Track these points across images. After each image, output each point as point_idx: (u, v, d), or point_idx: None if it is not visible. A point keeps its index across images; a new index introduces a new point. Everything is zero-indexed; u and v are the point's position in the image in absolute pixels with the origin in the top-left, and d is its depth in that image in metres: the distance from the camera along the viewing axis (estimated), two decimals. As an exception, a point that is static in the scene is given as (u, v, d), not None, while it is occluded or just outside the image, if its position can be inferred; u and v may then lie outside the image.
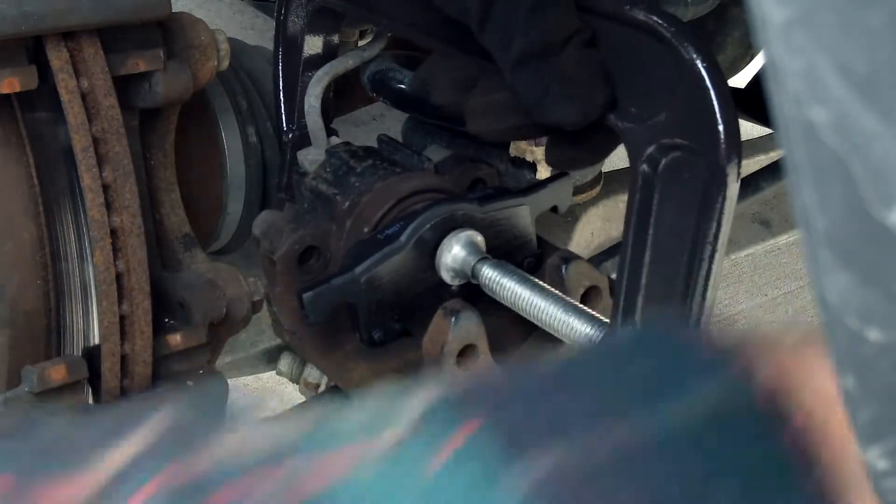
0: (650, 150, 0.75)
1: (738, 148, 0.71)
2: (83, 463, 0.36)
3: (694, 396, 0.36)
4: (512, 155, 1.14)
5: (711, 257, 0.73)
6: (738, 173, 0.71)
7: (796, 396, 0.36)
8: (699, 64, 0.71)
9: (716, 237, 0.73)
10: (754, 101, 1.31)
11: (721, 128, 0.70)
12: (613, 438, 0.35)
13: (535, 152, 1.13)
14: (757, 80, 1.37)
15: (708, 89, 0.70)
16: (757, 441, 0.36)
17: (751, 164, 1.50)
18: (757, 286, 1.82)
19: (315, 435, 0.37)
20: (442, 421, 0.36)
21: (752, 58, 1.61)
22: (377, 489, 0.34)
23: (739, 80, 1.47)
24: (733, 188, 0.71)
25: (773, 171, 1.40)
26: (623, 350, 0.42)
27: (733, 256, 1.67)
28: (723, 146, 0.70)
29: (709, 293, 0.74)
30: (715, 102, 0.70)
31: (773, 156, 1.56)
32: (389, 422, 0.36)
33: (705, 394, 0.37)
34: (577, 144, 0.83)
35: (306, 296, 0.90)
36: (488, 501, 0.33)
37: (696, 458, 0.35)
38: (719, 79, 0.71)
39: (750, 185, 1.41)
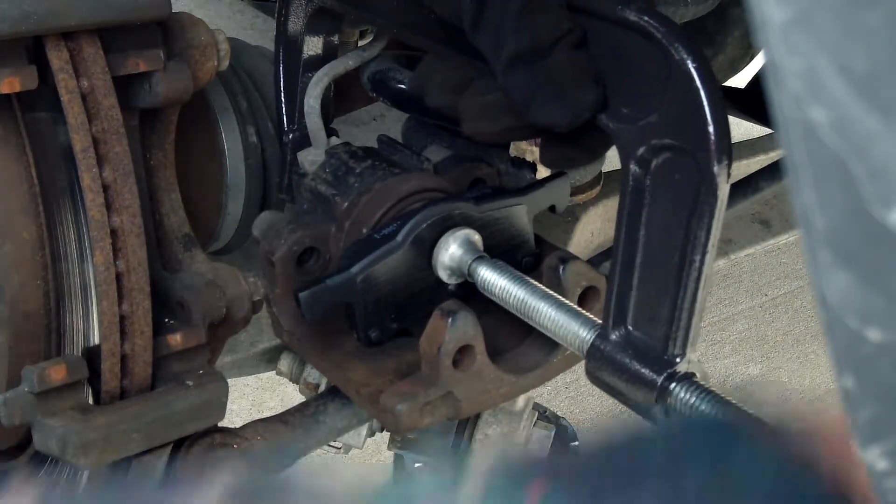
0: (641, 150, 0.75)
1: (729, 149, 0.71)
2: None
3: (760, 486, 0.37)
4: (512, 155, 1.14)
5: (702, 258, 0.73)
6: (729, 174, 0.71)
7: (855, 482, 0.37)
8: (690, 64, 0.71)
9: (706, 238, 0.73)
10: (754, 101, 1.31)
11: (711, 129, 0.70)
12: None
13: (534, 152, 1.13)
14: (757, 80, 1.37)
15: (698, 90, 0.70)
16: None
17: (751, 164, 1.50)
18: (757, 286, 1.82)
19: (389, 494, 0.39)
20: (507, 486, 0.37)
21: (752, 58, 1.62)
22: None
23: (739, 80, 1.47)
24: (724, 189, 0.71)
25: (773, 171, 1.40)
26: (680, 436, 0.43)
27: (733, 256, 1.67)
28: (713, 147, 0.70)
29: (700, 293, 0.74)
30: (705, 103, 0.70)
31: (773, 156, 1.56)
32: (457, 482, 0.38)
33: (773, 483, 0.37)
34: (570, 145, 0.83)
35: (303, 295, 0.90)
36: None
37: None
38: (710, 79, 0.71)
39: (750, 185, 1.41)
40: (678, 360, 0.76)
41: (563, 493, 0.36)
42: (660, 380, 0.75)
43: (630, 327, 0.79)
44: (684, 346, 0.76)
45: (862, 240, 0.28)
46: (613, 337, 0.79)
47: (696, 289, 0.74)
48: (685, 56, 0.71)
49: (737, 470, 0.38)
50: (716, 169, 0.70)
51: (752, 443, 0.40)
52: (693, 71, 0.71)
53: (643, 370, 0.77)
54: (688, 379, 0.75)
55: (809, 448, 0.39)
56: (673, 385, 0.75)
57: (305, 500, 0.38)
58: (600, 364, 0.80)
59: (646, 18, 0.73)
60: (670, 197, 0.75)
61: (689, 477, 0.38)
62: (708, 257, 0.73)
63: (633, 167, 0.76)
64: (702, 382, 0.75)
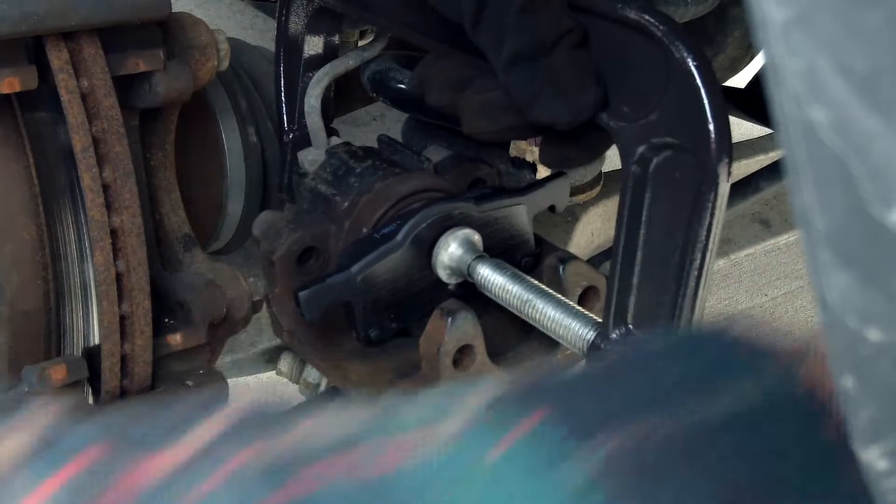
0: (642, 149, 0.75)
1: (730, 147, 0.71)
2: (170, 439, 0.38)
3: (744, 387, 0.38)
4: (512, 155, 1.14)
5: (703, 257, 0.73)
6: (730, 172, 0.71)
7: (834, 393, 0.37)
8: (690, 62, 0.71)
9: (707, 236, 0.73)
10: (754, 101, 1.31)
11: (712, 126, 0.70)
12: (673, 423, 0.37)
13: (534, 152, 1.13)
14: (757, 80, 1.37)
15: (699, 88, 0.70)
16: (804, 429, 0.38)
17: (751, 164, 1.50)
18: (757, 286, 1.82)
19: (382, 422, 0.39)
20: (506, 412, 0.38)
21: (752, 58, 1.62)
22: (442, 472, 0.36)
23: (739, 80, 1.47)
24: (724, 187, 0.71)
25: (773, 171, 1.40)
26: (672, 347, 0.44)
27: (733, 256, 1.67)
28: (714, 145, 0.70)
29: (700, 292, 0.74)
30: (706, 101, 0.70)
31: (773, 156, 1.56)
32: (452, 412, 0.38)
33: (754, 385, 0.38)
34: (570, 144, 0.83)
35: (302, 294, 0.90)
36: (547, 483, 0.35)
37: (752, 441, 0.37)
38: (710, 77, 0.71)
39: (750, 185, 1.41)
40: None
41: (561, 420, 0.37)
42: None
43: (630, 326, 0.79)
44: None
45: (862, 240, 0.28)
46: (614, 336, 0.79)
47: (697, 287, 0.74)
48: (686, 54, 0.71)
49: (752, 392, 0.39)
50: (716, 167, 0.71)
51: (740, 349, 0.41)
52: (693, 69, 0.71)
53: None
54: None
55: (792, 357, 0.40)
56: None
57: (304, 426, 0.39)
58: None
59: (646, 17, 0.73)
60: (671, 195, 0.75)
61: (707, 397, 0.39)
62: (709, 255, 0.73)
63: (633, 166, 0.76)
64: None
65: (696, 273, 0.74)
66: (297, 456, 0.37)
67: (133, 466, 0.37)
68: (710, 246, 0.73)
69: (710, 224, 0.72)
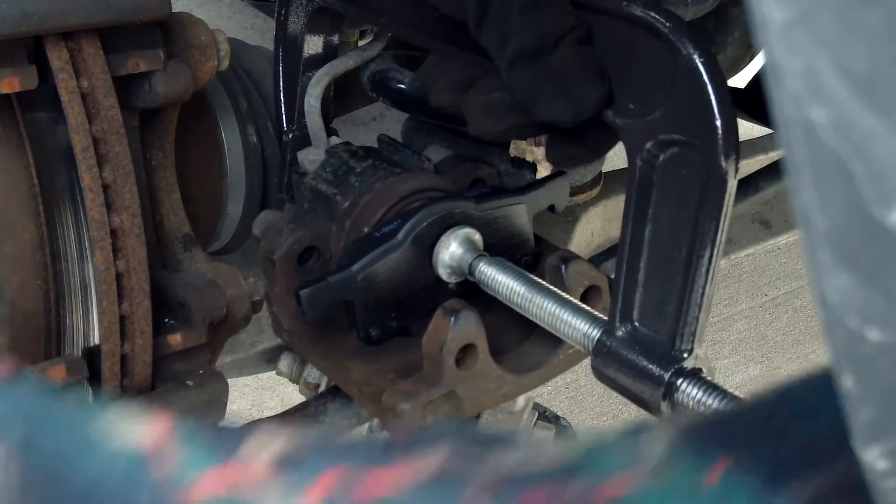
0: (648, 146, 0.75)
1: (737, 143, 0.71)
2: (394, 460, 0.38)
3: None
4: (512, 155, 1.14)
5: (710, 254, 0.73)
6: (737, 168, 0.71)
7: None
8: (697, 59, 0.71)
9: (714, 233, 0.73)
10: (754, 101, 1.31)
11: (719, 123, 0.70)
12: (845, 473, 0.37)
13: (535, 152, 1.13)
14: (757, 80, 1.37)
15: (706, 84, 0.70)
16: None
17: (751, 164, 1.50)
18: (757, 286, 1.82)
19: (583, 462, 0.40)
20: (691, 459, 0.38)
21: (752, 58, 1.61)
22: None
23: (739, 80, 1.47)
24: (731, 184, 0.71)
25: (773, 171, 1.40)
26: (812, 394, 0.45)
27: (733, 256, 1.67)
28: (721, 141, 0.70)
29: (707, 290, 0.74)
30: (713, 98, 0.70)
31: (773, 156, 1.56)
32: (641, 456, 0.39)
33: None
34: (575, 142, 0.83)
35: (303, 292, 0.90)
36: None
37: None
38: (717, 74, 0.71)
39: (750, 185, 1.41)
40: (685, 355, 0.75)
41: (746, 468, 0.37)
42: (667, 375, 0.75)
43: (636, 323, 0.79)
44: (691, 342, 0.75)
45: (862, 240, 0.28)
46: (620, 333, 0.79)
47: (705, 284, 0.74)
48: (692, 51, 0.71)
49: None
50: (723, 164, 0.70)
51: None
52: (700, 65, 0.71)
53: (650, 366, 0.76)
54: (695, 375, 0.75)
55: None
56: (680, 381, 0.75)
57: (512, 457, 0.39)
58: (606, 360, 0.80)
59: (652, 14, 0.73)
60: (677, 192, 0.74)
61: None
62: (716, 252, 0.73)
63: (639, 163, 0.76)
64: (709, 378, 0.75)
65: (703, 269, 0.73)
66: (518, 482, 0.38)
67: (379, 478, 0.37)
68: (717, 243, 0.73)
69: (718, 220, 0.72)
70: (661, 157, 0.75)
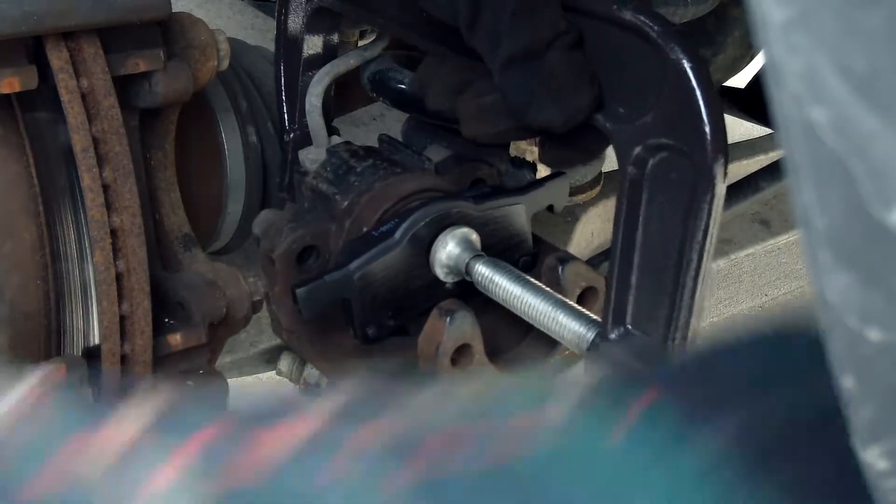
0: (637, 150, 0.75)
1: (725, 147, 0.71)
2: (285, 417, 0.38)
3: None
4: (512, 155, 1.14)
5: (700, 257, 0.73)
6: (725, 172, 0.71)
7: None
8: (685, 63, 0.71)
9: (704, 237, 0.73)
10: (754, 101, 1.31)
11: (707, 128, 0.70)
12: (786, 406, 0.38)
13: (534, 152, 1.13)
14: (757, 80, 1.37)
15: (694, 89, 0.71)
16: None
17: (751, 164, 1.50)
18: (757, 286, 1.82)
19: (492, 403, 0.40)
20: (613, 396, 0.39)
21: (752, 58, 1.61)
22: (572, 453, 0.37)
23: (739, 80, 1.47)
24: (720, 188, 0.71)
25: (773, 171, 1.40)
26: (760, 340, 0.45)
27: (733, 256, 1.67)
28: (709, 146, 0.70)
29: (698, 293, 0.74)
30: (701, 102, 0.70)
31: (773, 156, 1.56)
32: (553, 396, 0.39)
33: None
34: (568, 144, 0.83)
35: (300, 291, 0.90)
36: (681, 459, 0.36)
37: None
38: (705, 78, 0.71)
39: (750, 185, 1.41)
40: None
41: (672, 403, 0.38)
42: None
43: (629, 326, 0.79)
44: (682, 346, 0.76)
45: (862, 240, 0.28)
46: (613, 336, 0.79)
47: (695, 287, 0.74)
48: (680, 55, 0.71)
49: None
50: (712, 168, 0.71)
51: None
52: (688, 70, 0.71)
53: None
54: None
55: None
56: None
57: (419, 403, 0.40)
58: (599, 362, 0.80)
59: (641, 18, 0.73)
60: (667, 196, 0.75)
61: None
62: (706, 256, 0.73)
63: (629, 167, 0.76)
64: None
65: (693, 273, 0.74)
66: (422, 428, 0.38)
67: (256, 442, 0.37)
68: (706, 246, 0.73)
69: (707, 225, 0.72)
70: (651, 162, 0.75)
